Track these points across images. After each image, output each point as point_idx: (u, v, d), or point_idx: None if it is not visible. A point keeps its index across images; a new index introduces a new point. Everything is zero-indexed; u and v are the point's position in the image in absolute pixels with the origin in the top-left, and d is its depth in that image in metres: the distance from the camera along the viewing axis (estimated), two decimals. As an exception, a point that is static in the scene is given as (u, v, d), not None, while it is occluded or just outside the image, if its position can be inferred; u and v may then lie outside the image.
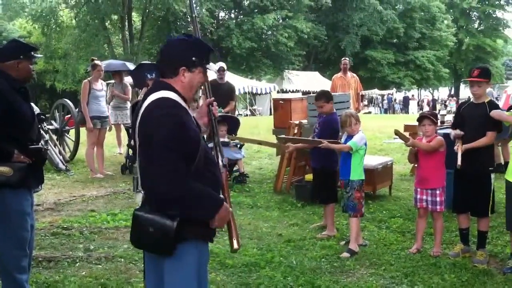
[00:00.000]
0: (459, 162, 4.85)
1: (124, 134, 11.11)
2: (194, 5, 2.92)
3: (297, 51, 39.81)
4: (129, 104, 10.56)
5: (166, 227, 2.51)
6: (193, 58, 2.68)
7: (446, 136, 5.48)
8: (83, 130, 10.08)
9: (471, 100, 5.32)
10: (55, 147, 10.41)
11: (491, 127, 4.99)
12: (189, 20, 37.17)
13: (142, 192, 2.67)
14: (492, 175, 5.11)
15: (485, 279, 4.65)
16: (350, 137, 5.49)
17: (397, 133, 5.46)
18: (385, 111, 41.95)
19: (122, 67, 13.40)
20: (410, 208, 6.78)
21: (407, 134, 7.08)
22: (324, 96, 6.09)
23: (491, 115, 4.99)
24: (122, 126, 10.93)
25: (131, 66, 14.27)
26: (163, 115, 2.53)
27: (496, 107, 5.19)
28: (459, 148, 4.97)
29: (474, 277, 4.69)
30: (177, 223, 2.49)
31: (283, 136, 7.52)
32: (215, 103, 3.00)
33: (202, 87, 2.95)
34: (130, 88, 10.91)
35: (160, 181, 2.48)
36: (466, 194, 5.14)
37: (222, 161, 2.89)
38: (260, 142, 9.14)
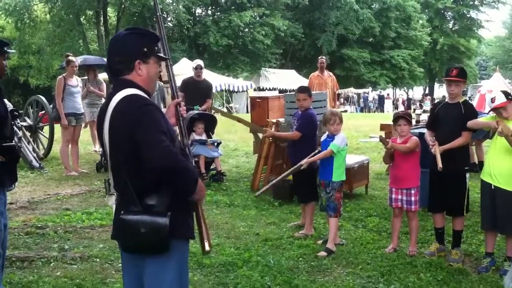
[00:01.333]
0: (439, 165, 4.88)
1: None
2: (159, 6, 2.89)
3: (274, 49, 39.81)
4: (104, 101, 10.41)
5: (159, 225, 2.47)
6: (145, 49, 2.63)
7: (421, 135, 5.53)
8: (57, 127, 9.94)
9: (446, 100, 5.37)
10: (28, 144, 10.24)
11: (466, 127, 5.04)
12: (165, 16, 37.04)
13: (115, 194, 2.63)
14: (467, 175, 5.17)
15: (460, 278, 4.71)
16: (330, 137, 5.51)
17: (381, 140, 5.52)
18: (361, 110, 42.29)
19: (99, 61, 13.28)
20: (386, 207, 6.83)
21: (382, 133, 7.14)
22: (307, 91, 6.29)
23: (468, 126, 5.05)
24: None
25: None
26: (140, 106, 2.50)
27: (471, 107, 5.25)
28: (436, 150, 5.01)
29: (450, 276, 4.74)
30: (169, 220, 2.47)
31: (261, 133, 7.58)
32: (182, 103, 2.97)
33: (169, 88, 2.92)
34: (105, 84, 10.81)
35: (162, 156, 2.43)
36: (442, 193, 5.19)
37: (192, 162, 2.86)
38: (239, 120, 9.20)
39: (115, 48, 2.66)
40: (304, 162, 5.63)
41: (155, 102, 2.69)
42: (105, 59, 12.27)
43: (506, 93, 4.86)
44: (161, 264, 2.59)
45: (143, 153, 2.44)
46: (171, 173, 2.47)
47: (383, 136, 5.60)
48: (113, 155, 2.60)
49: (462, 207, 5.14)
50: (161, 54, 2.76)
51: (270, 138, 7.83)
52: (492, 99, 4.86)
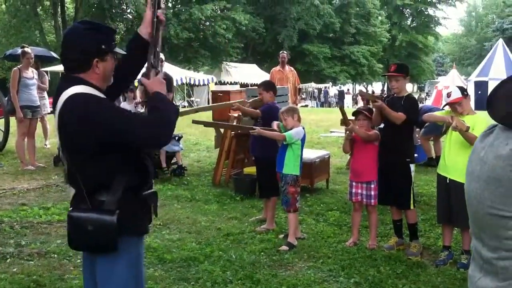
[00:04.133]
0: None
1: (50, 125, 10.69)
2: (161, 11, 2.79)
3: (235, 43, 39.76)
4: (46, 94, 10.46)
5: (106, 223, 2.41)
6: (103, 46, 2.54)
7: (380, 130, 5.61)
8: (13, 120, 9.68)
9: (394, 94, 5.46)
10: (-18, 137, 9.95)
11: (403, 111, 5.13)
12: (124, 8, 36.52)
13: (73, 190, 2.56)
14: (412, 167, 5.27)
15: (418, 271, 4.79)
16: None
17: (341, 110, 5.49)
18: (321, 105, 42.65)
19: (44, 53, 13.04)
20: (346, 201, 6.89)
21: (342, 129, 7.18)
22: (263, 85, 6.38)
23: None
24: (45, 117, 10.56)
25: (54, 54, 13.87)
26: (84, 106, 2.42)
27: (411, 100, 5.29)
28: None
29: (408, 269, 4.82)
30: (116, 217, 2.42)
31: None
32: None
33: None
34: (47, 77, 10.69)
35: (142, 131, 2.42)
36: (387, 186, 5.30)
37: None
38: (197, 110, 9.11)
39: (72, 44, 2.55)
40: (256, 130, 5.61)
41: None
42: (51, 52, 12.03)
43: (461, 89, 4.97)
44: (111, 262, 2.53)
45: (125, 140, 2.42)
46: (161, 133, 2.47)
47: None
48: (64, 151, 2.56)
49: (408, 199, 5.23)
50: (117, 50, 2.66)
51: (232, 133, 7.84)
52: (448, 94, 4.97)
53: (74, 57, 2.54)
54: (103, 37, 2.57)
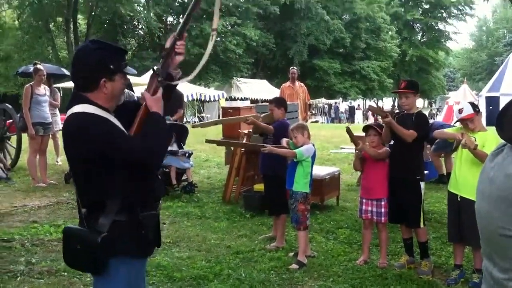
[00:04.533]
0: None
1: (61, 142, 10.78)
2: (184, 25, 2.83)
3: (246, 58, 39.92)
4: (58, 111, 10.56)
5: (92, 242, 2.43)
6: (111, 67, 2.57)
7: (390, 147, 5.59)
8: (25, 137, 9.76)
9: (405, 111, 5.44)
10: (-5, 154, 10.03)
11: (414, 128, 5.11)
12: (136, 24, 36.86)
13: (83, 210, 2.58)
14: (422, 184, 5.23)
15: (429, 290, 4.75)
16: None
17: (348, 131, 5.48)
18: (332, 121, 42.62)
19: (55, 71, 13.16)
20: (356, 219, 6.86)
21: (352, 146, 7.13)
22: (274, 101, 6.42)
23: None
24: (56, 133, 10.66)
25: (66, 71, 13.99)
26: (83, 126, 2.48)
27: (421, 116, 5.27)
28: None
29: (419, 288, 4.78)
30: (101, 238, 2.42)
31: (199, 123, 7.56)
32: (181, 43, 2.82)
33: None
34: (59, 94, 10.78)
35: (139, 152, 2.49)
36: (397, 204, 5.27)
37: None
38: (216, 122, 9.09)
39: (81, 63, 2.59)
40: (267, 148, 5.61)
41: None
42: (63, 69, 12.16)
43: (473, 105, 4.95)
44: (105, 282, 2.54)
45: (118, 160, 2.46)
46: (153, 153, 2.56)
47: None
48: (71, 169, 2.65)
49: (418, 218, 5.18)
50: (127, 70, 2.68)
51: (242, 150, 7.86)
52: (459, 109, 4.95)
53: (82, 76, 2.58)
54: (112, 56, 2.60)
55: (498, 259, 1.95)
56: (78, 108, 2.52)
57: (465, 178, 4.75)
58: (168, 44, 2.76)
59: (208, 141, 7.68)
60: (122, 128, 2.58)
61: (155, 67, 2.72)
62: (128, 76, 2.97)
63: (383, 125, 5.31)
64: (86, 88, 2.57)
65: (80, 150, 2.47)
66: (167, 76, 2.73)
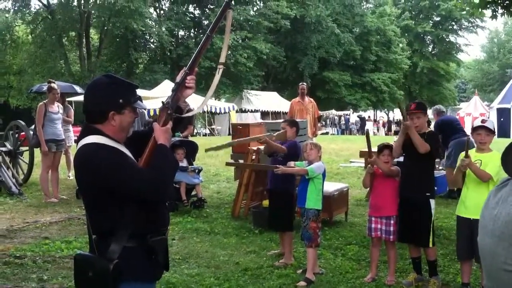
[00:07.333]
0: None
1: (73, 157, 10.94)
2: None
3: (256, 71, 40.08)
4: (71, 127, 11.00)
5: (103, 270, 2.50)
6: (120, 100, 2.66)
7: (399, 164, 5.63)
8: (37, 151, 9.89)
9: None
10: (8, 169, 10.17)
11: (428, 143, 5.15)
12: (147, 38, 37.13)
13: (94, 236, 2.65)
14: (432, 204, 5.23)
15: (437, 308, 4.76)
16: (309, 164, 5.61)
17: (367, 136, 5.56)
18: (342, 132, 42.60)
19: (68, 89, 13.43)
20: (365, 235, 6.86)
21: (362, 160, 7.14)
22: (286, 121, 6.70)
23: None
24: (69, 149, 10.84)
25: (78, 89, 14.20)
26: (93, 157, 2.55)
27: (432, 136, 5.32)
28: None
29: (427, 306, 4.79)
30: (113, 266, 2.49)
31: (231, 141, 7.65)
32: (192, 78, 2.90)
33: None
34: (72, 110, 11.07)
35: (145, 184, 2.55)
36: (406, 222, 5.27)
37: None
38: (230, 144, 9.13)
39: (92, 96, 2.71)
40: (280, 169, 5.69)
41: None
42: (75, 87, 12.49)
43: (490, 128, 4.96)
44: None
45: (124, 190, 2.53)
46: (159, 189, 2.62)
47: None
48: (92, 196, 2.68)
49: (427, 237, 5.17)
50: (137, 105, 2.76)
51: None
52: (482, 120, 4.99)
53: (91, 109, 2.70)
54: (121, 91, 2.70)
55: (502, 294, 1.98)
56: (89, 139, 2.61)
57: (474, 201, 4.67)
58: (178, 78, 2.85)
59: (228, 164, 8.40)
60: (133, 158, 2.67)
61: (164, 100, 2.81)
62: (139, 90, 3.06)
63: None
64: (96, 120, 2.68)
65: (90, 180, 2.56)
66: (177, 109, 2.83)
